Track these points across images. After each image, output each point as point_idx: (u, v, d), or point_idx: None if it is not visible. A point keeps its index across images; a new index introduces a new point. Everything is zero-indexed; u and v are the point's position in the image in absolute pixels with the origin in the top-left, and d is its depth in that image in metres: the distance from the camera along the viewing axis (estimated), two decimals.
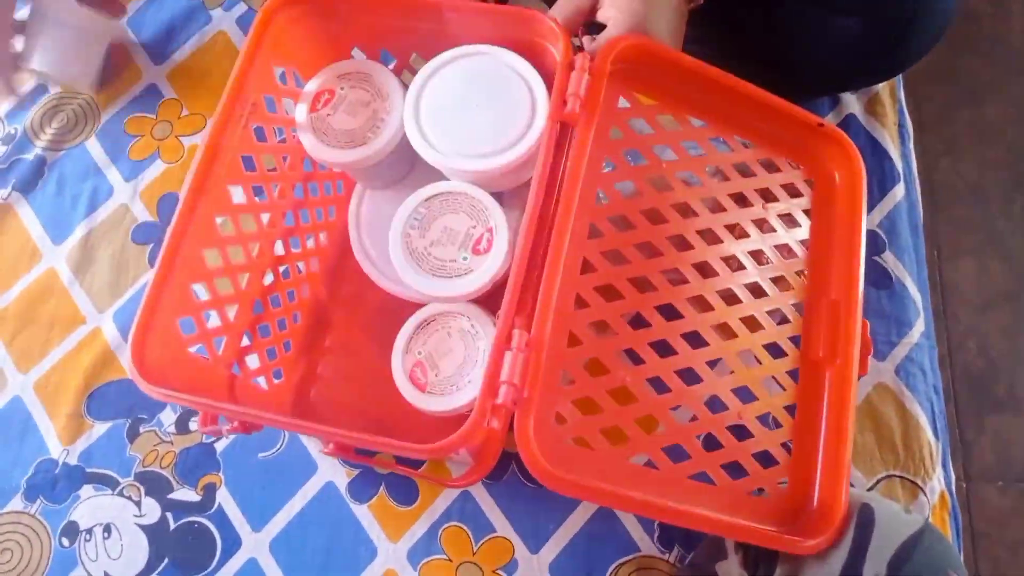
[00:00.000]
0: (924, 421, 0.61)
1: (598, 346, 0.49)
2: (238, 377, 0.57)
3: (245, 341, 0.58)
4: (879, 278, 0.66)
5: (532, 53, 0.55)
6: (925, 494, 0.59)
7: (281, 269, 0.62)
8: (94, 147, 0.74)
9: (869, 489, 0.59)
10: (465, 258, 0.53)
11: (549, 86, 0.52)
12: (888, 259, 0.66)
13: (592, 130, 0.50)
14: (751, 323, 0.54)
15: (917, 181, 0.71)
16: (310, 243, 0.66)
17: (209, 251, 0.52)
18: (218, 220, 0.53)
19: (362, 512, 0.61)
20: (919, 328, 0.64)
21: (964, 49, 1.37)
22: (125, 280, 0.69)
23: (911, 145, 0.72)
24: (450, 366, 0.53)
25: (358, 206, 0.65)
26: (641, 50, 0.52)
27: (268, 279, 0.61)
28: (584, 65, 0.50)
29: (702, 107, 0.56)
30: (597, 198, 0.52)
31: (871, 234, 0.66)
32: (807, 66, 0.67)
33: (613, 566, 0.58)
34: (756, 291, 0.54)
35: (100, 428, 0.65)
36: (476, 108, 0.54)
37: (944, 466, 0.61)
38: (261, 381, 0.60)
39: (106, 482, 0.63)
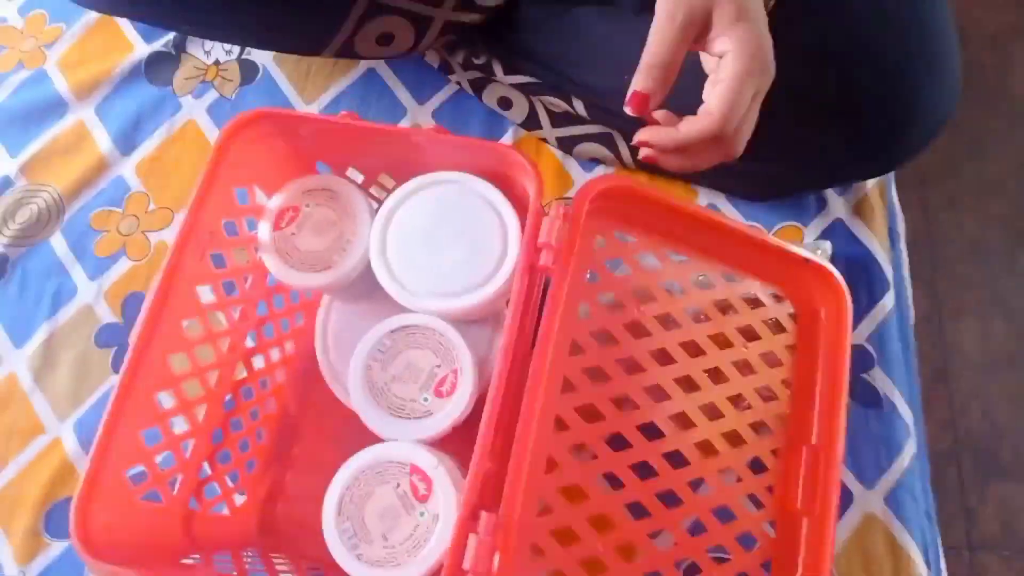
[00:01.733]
0: (916, 553, 0.59)
1: (577, 471, 0.47)
2: (196, 512, 0.55)
3: (206, 469, 0.56)
4: (867, 396, 0.63)
5: (504, 183, 0.52)
6: None
7: (243, 390, 0.60)
8: (59, 243, 0.72)
9: None
10: (426, 399, 0.50)
11: (521, 215, 0.49)
12: (877, 376, 0.63)
13: (566, 283, 0.48)
14: (727, 475, 0.51)
15: (909, 288, 0.68)
16: (275, 356, 0.63)
17: (162, 393, 0.50)
18: (171, 358, 0.51)
19: None
20: (910, 451, 0.62)
21: (968, 100, 1.32)
22: (87, 387, 0.67)
23: (902, 247, 0.69)
24: (397, 530, 0.46)
25: (326, 316, 0.63)
26: (620, 191, 0.50)
27: (228, 399, 0.58)
28: (559, 215, 0.47)
29: (684, 242, 0.54)
30: (572, 348, 0.49)
31: (859, 349, 0.64)
32: (794, 161, 0.64)
33: None
34: (734, 439, 0.52)
35: (58, 547, 0.63)
36: (445, 241, 0.51)
37: None
38: (223, 508, 0.58)
39: None
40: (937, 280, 1.29)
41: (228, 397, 0.58)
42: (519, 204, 0.52)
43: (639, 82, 0.46)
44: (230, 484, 0.58)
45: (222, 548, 0.56)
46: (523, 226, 0.49)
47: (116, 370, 0.67)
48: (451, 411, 0.50)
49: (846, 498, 0.60)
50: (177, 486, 0.54)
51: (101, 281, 0.70)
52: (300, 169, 0.58)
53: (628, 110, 0.47)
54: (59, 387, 0.67)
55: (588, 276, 0.50)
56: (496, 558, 0.41)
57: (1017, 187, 1.30)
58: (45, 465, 0.65)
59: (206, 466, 0.56)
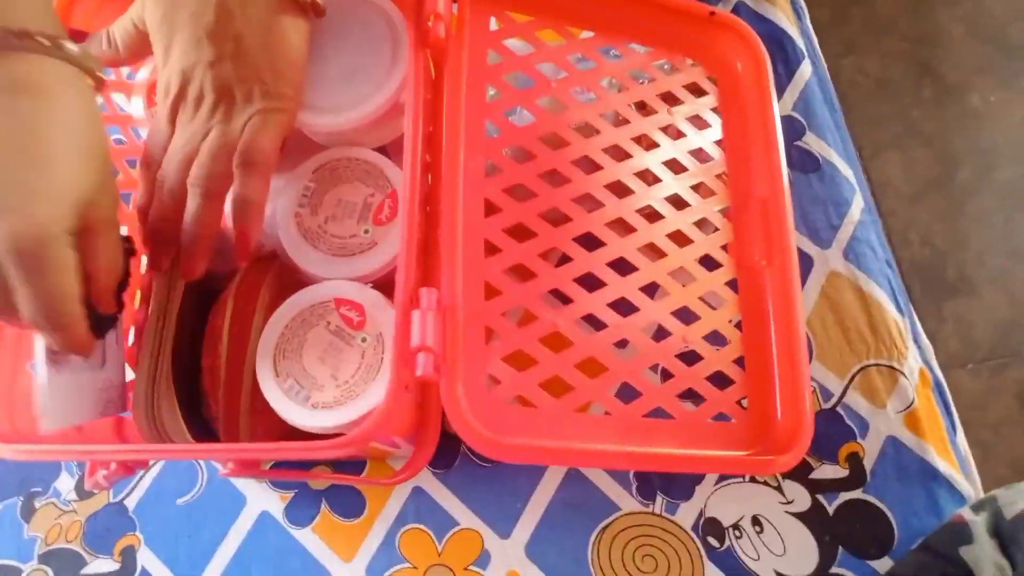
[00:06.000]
0: (885, 299, 0.57)
1: (519, 293, 0.43)
2: (127, 419, 0.49)
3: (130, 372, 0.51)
4: (806, 162, 0.61)
5: None
6: (905, 375, 0.55)
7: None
8: None
9: (846, 387, 0.55)
10: (367, 231, 0.46)
11: (404, 10, 0.46)
12: (811, 141, 0.62)
13: (464, 52, 0.45)
14: (679, 238, 0.49)
15: (821, 56, 0.67)
16: None
17: None
18: None
19: (306, 536, 0.54)
20: (858, 204, 0.60)
21: None
22: None
23: (808, 21, 0.68)
24: (344, 365, 0.43)
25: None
26: None
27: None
28: None
29: (582, 16, 0.51)
30: (487, 131, 0.46)
31: (788, 119, 0.62)
32: None
33: (596, 531, 0.53)
34: (678, 203, 0.50)
35: None
36: (326, 51, 0.46)
37: (916, 341, 0.57)
38: None
39: (6, 573, 0.55)
40: (851, 124, 1.28)
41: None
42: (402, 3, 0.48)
43: None
44: None
45: None
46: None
47: None
48: (397, 236, 0.45)
49: (806, 262, 0.58)
50: None
51: None
52: None
53: None
54: None
55: (489, 57, 0.47)
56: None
57: (907, 21, 1.33)
58: None
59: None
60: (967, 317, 1.18)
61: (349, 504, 0.55)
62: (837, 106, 0.64)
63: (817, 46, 0.66)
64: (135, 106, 0.50)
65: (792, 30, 0.65)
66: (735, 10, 0.65)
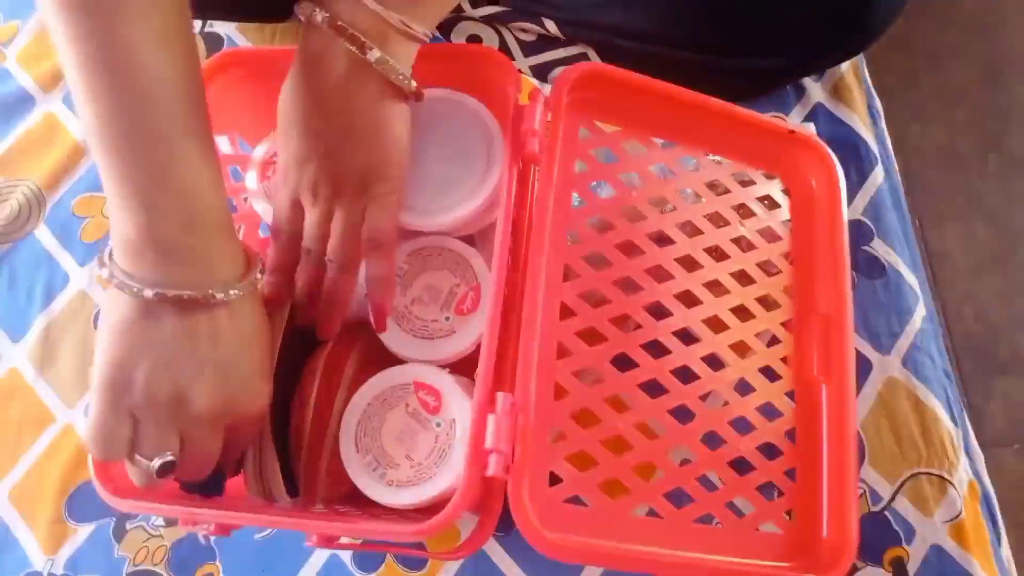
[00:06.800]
0: (940, 409, 0.59)
1: (586, 395, 0.47)
2: None
3: None
4: (872, 268, 0.64)
5: (483, 92, 0.52)
6: (954, 486, 0.57)
7: None
8: (43, 235, 0.71)
9: (895, 492, 0.57)
10: (448, 318, 0.50)
11: (503, 124, 0.49)
12: (878, 247, 0.64)
13: (555, 168, 0.48)
14: (741, 348, 0.51)
15: (895, 161, 0.69)
16: None
17: None
18: None
19: None
20: (920, 313, 0.62)
21: (918, 14, 1.35)
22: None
23: (883, 125, 0.70)
24: (419, 447, 0.46)
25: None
26: (597, 77, 0.50)
27: None
28: (539, 99, 0.48)
29: (667, 127, 0.54)
30: (568, 238, 0.49)
31: (857, 224, 0.65)
32: (769, 49, 0.65)
33: None
34: (743, 314, 0.52)
35: (84, 531, 0.62)
36: (430, 155, 0.51)
37: (968, 453, 0.59)
38: None
39: None
40: (913, 190, 1.28)
41: None
42: (500, 112, 0.51)
43: None
44: None
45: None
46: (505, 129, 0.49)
47: None
48: (473, 328, 0.49)
49: (865, 366, 0.60)
50: None
51: (92, 266, 0.70)
52: None
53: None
54: (63, 374, 0.66)
55: (576, 166, 0.51)
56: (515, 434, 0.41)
57: (977, 93, 1.32)
58: (60, 453, 0.64)
59: None
60: (1016, 397, 1.17)
61: (413, 557, 0.59)
62: (907, 213, 0.66)
63: (891, 151, 0.68)
64: (249, 179, 0.55)
65: (867, 134, 0.67)
66: (813, 111, 0.68)
